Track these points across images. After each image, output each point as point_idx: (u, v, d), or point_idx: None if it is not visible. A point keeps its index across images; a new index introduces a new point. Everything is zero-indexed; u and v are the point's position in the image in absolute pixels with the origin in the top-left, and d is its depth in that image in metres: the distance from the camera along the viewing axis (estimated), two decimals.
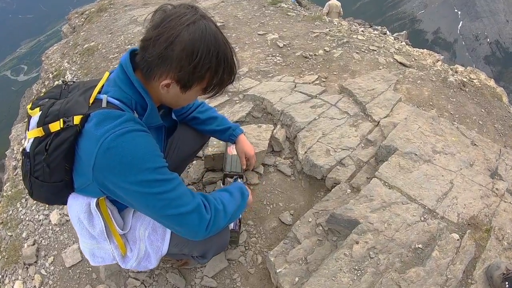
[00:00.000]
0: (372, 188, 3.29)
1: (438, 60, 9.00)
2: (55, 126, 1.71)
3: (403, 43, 10.66)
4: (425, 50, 10.16)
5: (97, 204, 1.98)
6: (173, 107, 2.18)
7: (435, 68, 6.87)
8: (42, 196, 1.96)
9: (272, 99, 4.86)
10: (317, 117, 4.48)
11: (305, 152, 4.01)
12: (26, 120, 1.94)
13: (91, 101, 1.77)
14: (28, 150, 1.81)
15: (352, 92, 5.07)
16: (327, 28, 8.25)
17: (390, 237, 2.88)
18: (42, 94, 2.08)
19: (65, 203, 2.05)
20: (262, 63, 6.49)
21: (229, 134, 3.01)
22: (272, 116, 4.73)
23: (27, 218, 4.11)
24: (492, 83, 7.17)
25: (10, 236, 3.98)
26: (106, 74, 1.97)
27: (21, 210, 4.26)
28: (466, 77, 6.82)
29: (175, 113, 2.47)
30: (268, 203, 3.76)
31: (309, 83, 5.51)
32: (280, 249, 3.09)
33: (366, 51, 6.99)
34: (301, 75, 5.97)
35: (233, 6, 10.36)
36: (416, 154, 3.72)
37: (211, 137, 3.45)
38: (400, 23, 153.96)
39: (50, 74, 9.17)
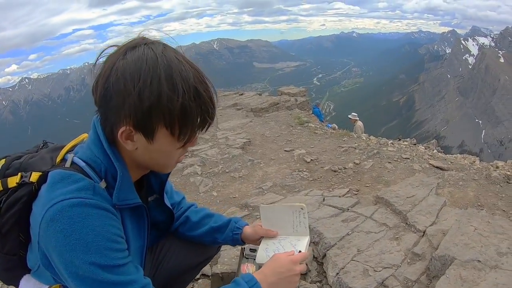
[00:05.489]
0: None
1: (475, 161, 8.48)
2: (13, 181, 1.45)
3: (435, 151, 10.28)
4: (458, 155, 9.80)
5: None
6: (156, 169, 1.61)
7: (475, 167, 6.41)
8: None
9: None
10: (350, 232, 3.86)
11: (337, 273, 3.29)
12: None
13: (57, 160, 1.51)
14: None
15: (389, 202, 4.49)
16: (355, 143, 8.00)
17: None
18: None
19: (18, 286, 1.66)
20: (287, 177, 6.14)
21: (231, 228, 2.19)
22: None
23: None
24: None
25: None
26: (85, 134, 1.65)
27: None
28: (508, 171, 6.30)
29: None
30: None
31: (340, 196, 5.01)
32: None
33: (398, 160, 6.57)
34: (330, 189, 5.52)
35: (261, 125, 10.46)
36: (479, 261, 2.95)
37: (221, 252, 2.80)
38: (425, 142, 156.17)
39: None
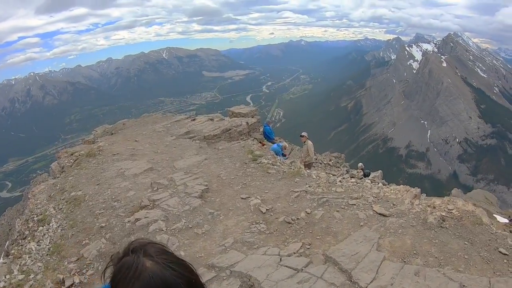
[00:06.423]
0: None
1: (416, 196, 9.24)
2: None
3: (380, 184, 11.08)
4: (401, 186, 10.52)
5: None
6: None
7: (414, 210, 7.11)
8: None
9: (259, 276, 4.92)
10: None
11: None
12: None
13: None
14: None
15: (337, 261, 5.19)
16: (306, 184, 8.62)
17: None
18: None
19: None
20: (246, 232, 6.69)
21: None
22: None
23: None
24: (470, 206, 7.35)
25: None
26: None
27: None
28: (444, 210, 7.06)
29: None
30: None
31: (294, 253, 5.63)
32: None
33: (345, 207, 7.26)
34: (285, 243, 6.14)
35: (216, 163, 10.83)
36: None
37: None
38: (374, 144, 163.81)
39: (35, 216, 9.09)
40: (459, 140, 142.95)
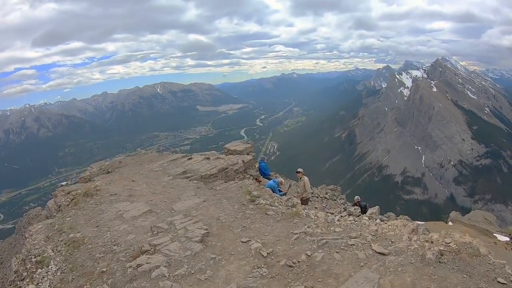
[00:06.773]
0: None
1: (413, 230, 9.30)
2: None
3: (378, 220, 11.17)
4: (398, 221, 10.64)
5: None
6: None
7: (412, 247, 7.21)
8: None
9: None
10: None
11: None
12: None
13: None
14: None
15: None
16: (305, 225, 8.72)
17: None
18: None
19: None
20: (249, 277, 6.76)
21: None
22: None
23: None
24: (467, 238, 7.44)
25: None
26: None
27: None
28: (442, 244, 7.18)
29: None
30: None
31: None
32: None
33: (345, 248, 7.37)
34: (288, 287, 6.18)
35: (215, 206, 10.89)
36: None
37: None
38: (369, 173, 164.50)
39: (33, 257, 9.02)
40: (453, 163, 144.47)
